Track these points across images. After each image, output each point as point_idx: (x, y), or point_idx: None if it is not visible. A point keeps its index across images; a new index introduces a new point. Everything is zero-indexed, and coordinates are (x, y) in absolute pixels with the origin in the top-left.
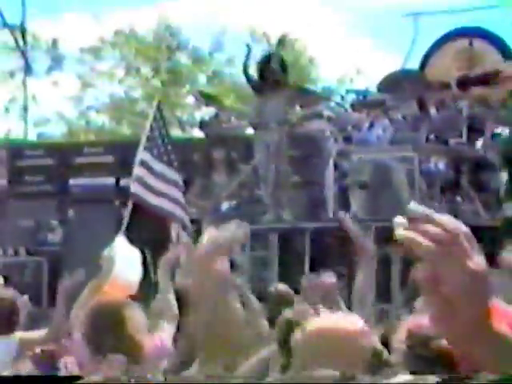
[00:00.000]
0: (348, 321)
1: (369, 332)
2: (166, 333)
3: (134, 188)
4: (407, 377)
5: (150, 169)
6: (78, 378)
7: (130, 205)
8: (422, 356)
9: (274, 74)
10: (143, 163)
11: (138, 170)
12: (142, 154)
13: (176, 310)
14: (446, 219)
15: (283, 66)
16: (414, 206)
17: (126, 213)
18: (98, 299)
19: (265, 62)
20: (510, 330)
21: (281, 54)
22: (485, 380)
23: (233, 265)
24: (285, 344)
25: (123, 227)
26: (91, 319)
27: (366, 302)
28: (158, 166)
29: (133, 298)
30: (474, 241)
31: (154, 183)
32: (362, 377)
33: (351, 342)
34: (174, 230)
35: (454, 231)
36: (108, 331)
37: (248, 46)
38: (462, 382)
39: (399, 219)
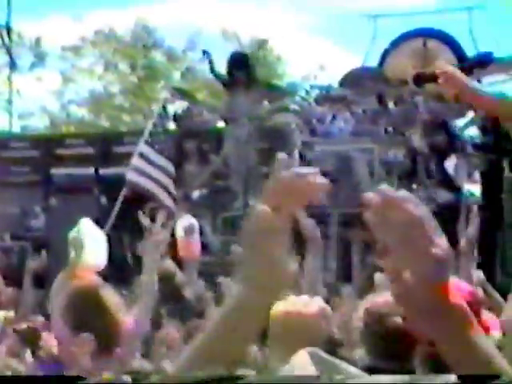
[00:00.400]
0: (311, 303)
1: (329, 314)
2: (141, 311)
3: (130, 176)
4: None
5: (149, 161)
6: (79, 378)
7: (123, 192)
8: (378, 333)
9: (245, 71)
10: (142, 155)
11: (136, 161)
12: (142, 148)
13: (155, 293)
14: (408, 203)
15: (253, 65)
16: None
17: (119, 199)
18: (74, 283)
19: (234, 61)
20: (463, 302)
21: (251, 54)
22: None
23: (206, 248)
24: None
25: (113, 214)
26: (69, 302)
27: (316, 286)
28: (159, 160)
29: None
30: (434, 222)
31: (153, 172)
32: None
33: (313, 323)
34: (160, 217)
35: (415, 215)
36: (86, 312)
37: (205, 52)
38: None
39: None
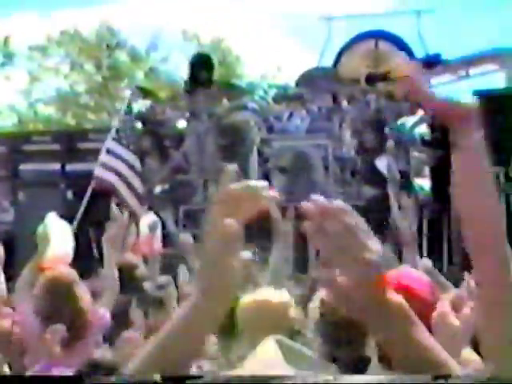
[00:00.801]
0: (277, 295)
1: (292, 304)
2: (105, 307)
3: (98, 171)
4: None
5: (116, 155)
6: (79, 378)
7: (90, 187)
8: (331, 322)
9: (206, 72)
10: (109, 151)
11: (104, 158)
12: (109, 144)
13: (117, 285)
14: (342, 212)
15: (210, 66)
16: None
17: (87, 194)
18: (47, 273)
19: (197, 62)
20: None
21: (208, 55)
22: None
23: (166, 240)
24: None
25: (82, 208)
26: (44, 293)
27: (280, 275)
28: (126, 154)
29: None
30: (366, 228)
31: (119, 166)
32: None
33: (279, 312)
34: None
35: (348, 224)
36: (60, 304)
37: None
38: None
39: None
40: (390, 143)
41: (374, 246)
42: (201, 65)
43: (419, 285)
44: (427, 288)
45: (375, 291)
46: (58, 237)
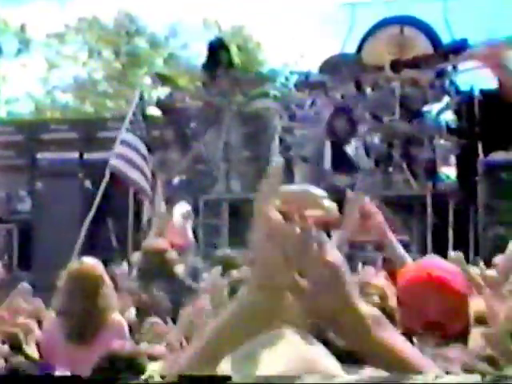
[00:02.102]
0: None
1: None
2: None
3: (114, 162)
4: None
5: (131, 146)
6: (79, 378)
7: (106, 176)
8: None
9: (224, 53)
10: (124, 142)
11: (119, 149)
12: (123, 135)
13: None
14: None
15: (227, 48)
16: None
17: (102, 185)
18: (73, 267)
19: (214, 45)
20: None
21: (222, 38)
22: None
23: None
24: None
25: (98, 199)
26: (63, 285)
27: None
28: (140, 146)
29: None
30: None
31: (135, 158)
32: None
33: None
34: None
35: (305, 228)
36: (75, 300)
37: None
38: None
39: None
40: (361, 128)
41: (334, 250)
42: (220, 46)
43: (452, 276)
44: (460, 279)
45: (340, 296)
46: None
